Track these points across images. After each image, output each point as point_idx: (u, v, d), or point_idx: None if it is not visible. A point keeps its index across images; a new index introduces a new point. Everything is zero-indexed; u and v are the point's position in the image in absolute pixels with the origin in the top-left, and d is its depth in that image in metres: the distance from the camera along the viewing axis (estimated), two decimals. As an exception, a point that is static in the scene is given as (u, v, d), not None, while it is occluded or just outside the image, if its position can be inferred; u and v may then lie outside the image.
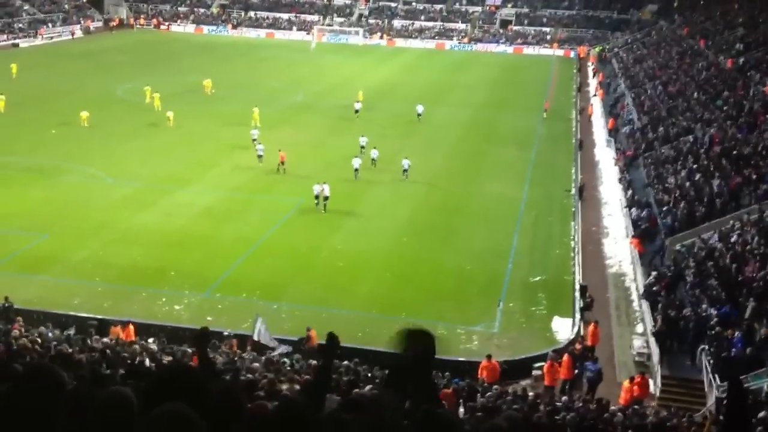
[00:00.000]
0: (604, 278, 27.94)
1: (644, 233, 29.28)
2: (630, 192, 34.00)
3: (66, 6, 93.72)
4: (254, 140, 41.49)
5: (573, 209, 34.02)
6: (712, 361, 19.75)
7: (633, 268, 27.88)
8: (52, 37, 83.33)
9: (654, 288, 24.45)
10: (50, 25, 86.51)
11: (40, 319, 21.31)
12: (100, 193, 34.60)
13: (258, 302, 24.70)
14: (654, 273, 25.29)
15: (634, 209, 31.51)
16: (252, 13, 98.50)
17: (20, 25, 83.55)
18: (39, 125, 45.58)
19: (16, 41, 78.81)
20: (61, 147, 41.44)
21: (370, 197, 35.87)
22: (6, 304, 21.45)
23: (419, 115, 51.09)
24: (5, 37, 78.94)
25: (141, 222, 31.20)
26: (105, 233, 29.80)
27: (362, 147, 41.44)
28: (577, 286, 25.72)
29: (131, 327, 20.77)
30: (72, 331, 20.12)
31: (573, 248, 29.66)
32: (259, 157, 39.44)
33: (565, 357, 20.60)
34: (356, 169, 37.92)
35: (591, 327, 22.58)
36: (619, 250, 30.15)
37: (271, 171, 38.43)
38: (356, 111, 50.63)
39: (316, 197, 33.19)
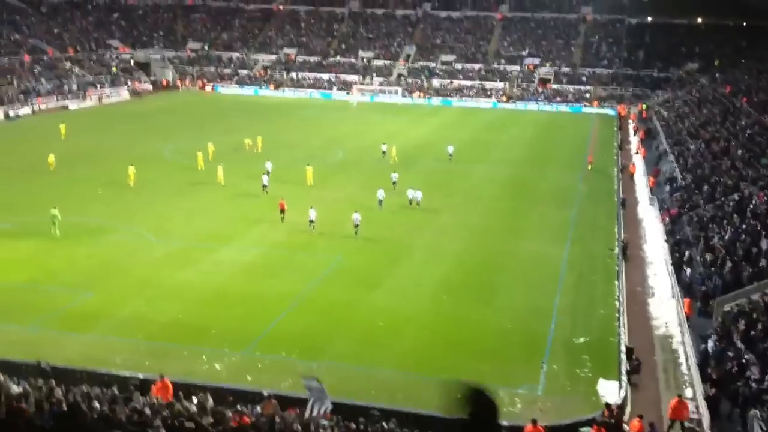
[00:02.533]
0: (650, 340, 27.21)
1: (691, 293, 28.62)
2: (676, 252, 33.36)
3: (114, 68, 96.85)
4: (267, 172, 47.13)
5: (617, 268, 33.44)
6: (764, 427, 18.99)
7: (680, 329, 27.16)
8: (100, 99, 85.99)
9: (703, 350, 23.78)
10: (99, 86, 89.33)
11: (82, 378, 21.37)
12: (144, 251, 35.08)
13: (297, 361, 24.55)
14: (703, 336, 24.61)
15: (688, 269, 30.84)
16: (294, 74, 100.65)
17: (70, 87, 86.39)
18: (86, 184, 46.71)
19: (66, 103, 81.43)
20: (108, 206, 42.28)
21: (410, 254, 35.76)
22: (42, 366, 21.58)
23: (450, 155, 56.38)
24: (55, 98, 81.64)
25: (183, 279, 31.48)
26: (148, 291, 30.09)
27: (394, 183, 46.39)
28: (623, 348, 25.06)
29: (169, 385, 20.69)
30: (114, 390, 20.09)
31: (618, 309, 29.02)
32: (264, 186, 44.95)
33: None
34: (380, 201, 42.55)
35: (674, 401, 21.37)
36: (666, 310, 29.43)
37: (310, 226, 38.69)
38: (383, 152, 55.74)
39: (356, 226, 37.58)
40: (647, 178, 49.21)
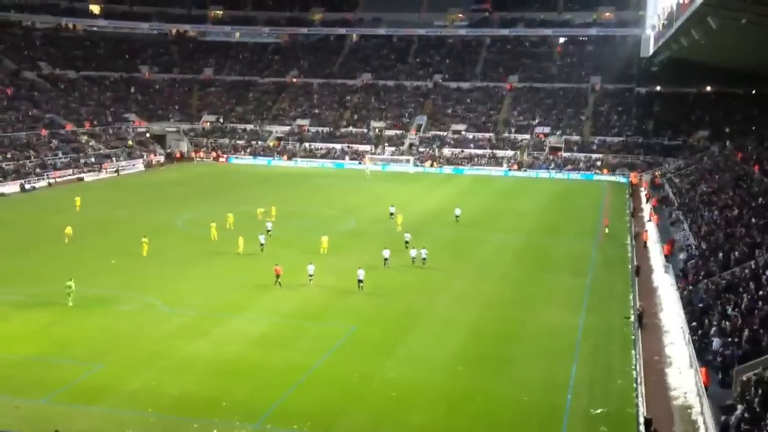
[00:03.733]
0: (669, 411, 26.58)
1: (709, 363, 28.08)
2: (693, 320, 32.90)
3: (130, 141, 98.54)
4: (268, 231, 51.07)
5: (633, 337, 32.98)
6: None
7: (699, 400, 26.55)
8: (116, 171, 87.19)
9: (723, 421, 23.19)
10: (114, 159, 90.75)
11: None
12: (155, 322, 34.94)
13: (309, 434, 24.11)
14: (722, 407, 24.02)
15: (705, 338, 30.32)
16: (306, 145, 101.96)
17: (86, 160, 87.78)
18: (99, 255, 46.95)
19: (81, 175, 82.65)
20: (120, 276, 42.38)
21: (423, 323, 35.46)
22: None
23: (457, 217, 59.22)
24: (71, 171, 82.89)
25: (194, 350, 31.25)
26: (159, 363, 29.85)
27: (407, 242, 48.43)
28: (642, 420, 24.49)
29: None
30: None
31: (635, 378, 28.51)
32: (261, 245, 47.59)
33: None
34: (386, 259, 44.65)
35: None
36: (684, 380, 28.84)
37: (324, 296, 38.62)
38: (391, 214, 58.26)
39: (360, 281, 39.77)
40: (661, 246, 48.95)
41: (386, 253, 45.06)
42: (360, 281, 39.82)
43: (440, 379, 28.97)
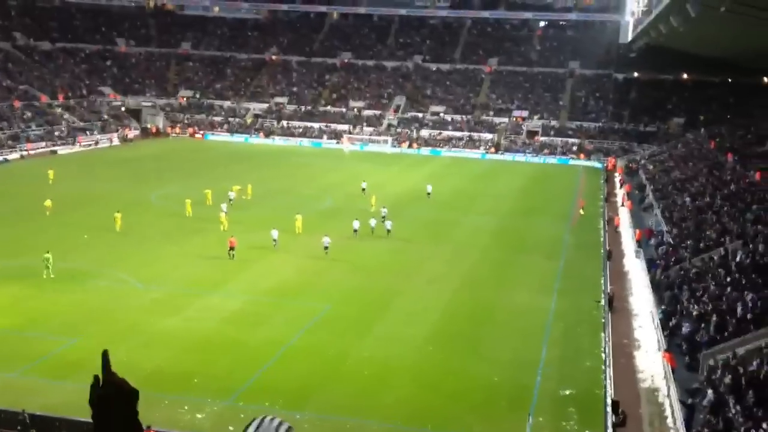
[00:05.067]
0: (636, 393, 27.13)
1: (676, 346, 28.62)
2: (662, 304, 33.47)
3: (105, 115, 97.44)
4: (229, 200, 53.45)
5: (603, 320, 33.50)
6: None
7: (666, 383, 27.10)
8: (90, 145, 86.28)
9: (689, 404, 23.73)
10: (89, 133, 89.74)
11: (62, 428, 21.10)
12: (129, 297, 34.87)
13: (281, 411, 24.27)
14: (689, 390, 24.57)
15: (674, 322, 30.88)
16: (284, 123, 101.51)
17: (60, 133, 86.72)
18: (72, 229, 46.61)
19: (55, 148, 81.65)
20: (93, 251, 42.16)
21: (398, 303, 35.72)
22: (21, 416, 21.31)
23: (428, 194, 61.25)
24: (44, 144, 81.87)
25: (168, 326, 31.26)
26: (132, 338, 29.83)
27: (383, 217, 49.73)
28: (609, 401, 24.98)
29: (153, 433, 20.44)
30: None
31: (604, 361, 29.01)
32: (224, 213, 48.72)
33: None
34: (355, 230, 46.82)
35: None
36: (652, 363, 29.39)
37: (299, 274, 38.75)
38: (363, 190, 60.68)
39: (325, 247, 42.19)
40: (633, 231, 49.55)
41: (356, 224, 47.09)
42: (326, 247, 42.31)
43: (414, 358, 29.27)
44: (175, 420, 23.29)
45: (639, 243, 45.79)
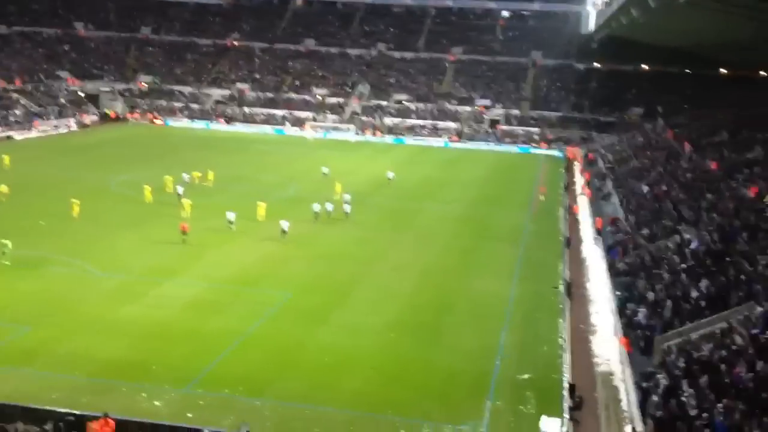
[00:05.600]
0: (592, 377, 27.59)
1: (632, 331, 29.13)
2: (619, 290, 34.03)
3: (62, 100, 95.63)
4: (185, 182, 54.10)
5: (561, 306, 33.94)
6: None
7: (622, 367, 27.59)
8: (46, 130, 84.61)
9: (644, 387, 24.19)
10: (45, 118, 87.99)
11: (15, 415, 20.78)
12: (86, 285, 34.36)
13: (240, 399, 24.19)
14: (644, 374, 25.02)
15: (630, 308, 31.39)
16: (246, 109, 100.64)
17: (16, 118, 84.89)
18: (28, 215, 45.74)
19: (10, 133, 79.88)
20: (50, 237, 41.43)
21: (360, 291, 35.75)
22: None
23: (390, 179, 62.37)
24: (0, 129, 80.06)
25: (126, 314, 30.89)
26: (89, 326, 29.42)
27: (346, 202, 50.44)
28: (566, 385, 25.36)
29: (111, 423, 20.23)
30: (49, 427, 19.61)
31: (561, 346, 29.42)
32: (179, 195, 49.67)
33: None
34: (316, 213, 47.69)
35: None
36: (608, 348, 29.90)
37: (260, 262, 38.57)
38: (324, 174, 61.86)
39: (283, 231, 42.83)
40: (593, 219, 50.22)
41: (316, 206, 47.95)
42: (284, 231, 42.89)
43: (375, 346, 29.33)
44: (133, 407, 23.04)
45: (599, 231, 46.42)
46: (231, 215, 44.32)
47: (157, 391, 24.43)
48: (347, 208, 49.53)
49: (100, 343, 27.91)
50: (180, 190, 51.44)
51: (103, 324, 29.74)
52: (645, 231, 41.52)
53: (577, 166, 76.43)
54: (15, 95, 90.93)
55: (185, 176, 56.04)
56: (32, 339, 27.95)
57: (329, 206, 49.03)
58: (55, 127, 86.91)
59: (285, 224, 43.28)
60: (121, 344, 27.90)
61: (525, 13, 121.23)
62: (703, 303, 28.88)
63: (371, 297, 35.10)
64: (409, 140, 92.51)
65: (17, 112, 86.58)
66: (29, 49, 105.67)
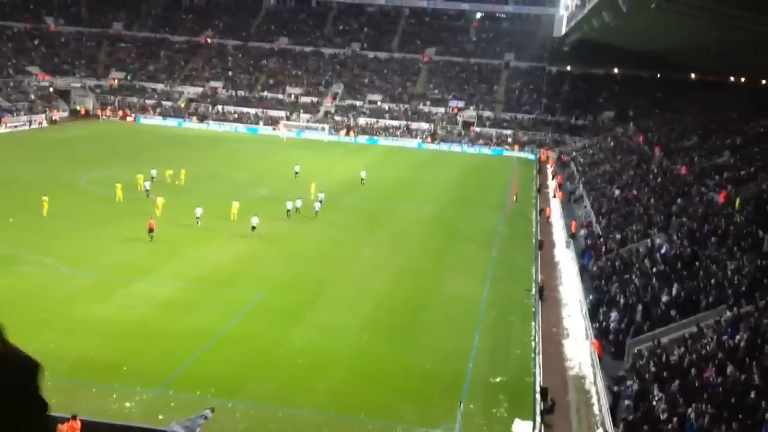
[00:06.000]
0: (564, 380, 27.78)
1: (603, 335, 29.42)
2: (591, 294, 34.34)
3: (32, 96, 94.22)
4: (152, 178, 54.43)
5: (533, 309, 34.17)
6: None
7: (593, 370, 27.84)
8: (16, 126, 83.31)
9: (615, 391, 24.44)
10: (15, 114, 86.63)
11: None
12: (56, 283, 33.90)
13: (212, 400, 24.00)
14: (615, 377, 25.26)
15: (601, 311, 31.69)
16: (219, 108, 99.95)
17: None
18: (-3, 212, 45.03)
19: (-21, 129, 78.62)
20: (19, 235, 40.79)
21: (333, 291, 35.69)
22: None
23: (362, 179, 62.63)
24: (-32, 124, 78.76)
25: (97, 313, 30.52)
26: (58, 325, 29.03)
27: (320, 201, 50.93)
28: (538, 389, 25.53)
29: (77, 427, 19.95)
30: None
31: (534, 349, 29.61)
32: (146, 191, 50.82)
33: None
34: (288, 210, 48.24)
35: None
36: (579, 352, 30.15)
37: (233, 261, 38.33)
38: (296, 173, 62.35)
39: (253, 227, 43.46)
40: (565, 222, 50.61)
41: (289, 204, 48.50)
42: (253, 227, 43.46)
43: (348, 346, 29.31)
44: (103, 409, 22.79)
45: (573, 235, 46.71)
46: (199, 211, 45.06)
47: (128, 392, 24.17)
48: (317, 206, 49.92)
49: (70, 342, 27.55)
50: (147, 185, 51.69)
51: (74, 323, 29.37)
52: (616, 234, 41.93)
53: (550, 169, 76.96)
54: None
55: (153, 172, 56.12)
56: (0, 339, 27.45)
57: (299, 203, 49.67)
58: (25, 123, 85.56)
59: (255, 220, 43.73)
60: (91, 344, 27.57)
61: (499, 15, 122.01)
62: (673, 308, 29.25)
63: (345, 297, 35.08)
64: (383, 141, 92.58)
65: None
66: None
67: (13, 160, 63.88)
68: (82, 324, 29.39)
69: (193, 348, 28.00)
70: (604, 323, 30.48)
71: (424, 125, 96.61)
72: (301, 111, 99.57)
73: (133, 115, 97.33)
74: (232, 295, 34.35)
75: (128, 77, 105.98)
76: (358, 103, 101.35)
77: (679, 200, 43.15)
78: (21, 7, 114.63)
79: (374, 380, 26.59)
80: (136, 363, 26.31)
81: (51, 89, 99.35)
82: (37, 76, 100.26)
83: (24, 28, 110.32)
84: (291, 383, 25.93)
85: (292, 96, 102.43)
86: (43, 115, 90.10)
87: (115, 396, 23.92)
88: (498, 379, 27.13)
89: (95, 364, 25.96)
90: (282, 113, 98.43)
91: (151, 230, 41.23)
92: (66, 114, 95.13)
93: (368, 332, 30.86)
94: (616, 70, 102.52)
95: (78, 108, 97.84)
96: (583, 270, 38.63)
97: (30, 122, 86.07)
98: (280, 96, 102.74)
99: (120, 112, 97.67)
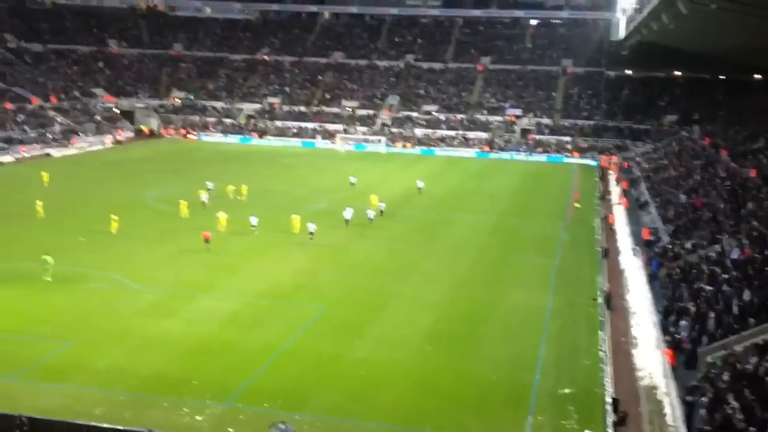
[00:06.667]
0: (635, 391, 27.12)
1: (675, 344, 28.66)
2: (660, 302, 33.54)
3: (98, 117, 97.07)
4: (208, 190, 56.06)
5: (600, 318, 33.51)
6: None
7: (665, 380, 27.12)
8: (83, 147, 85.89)
9: (688, 401, 23.78)
10: (82, 135, 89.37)
11: (58, 431, 21.01)
12: (125, 300, 34.72)
13: (280, 412, 24.18)
14: (688, 387, 24.59)
15: (672, 320, 30.91)
16: (278, 123, 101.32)
17: (53, 135, 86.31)
18: (67, 231, 46.41)
19: (49, 150, 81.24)
20: (89, 253, 41.95)
21: (393, 303, 35.65)
22: (19, 420, 21.28)
23: (419, 189, 63.08)
24: (38, 146, 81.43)
25: (165, 328, 31.13)
26: (129, 341, 29.70)
27: (381, 211, 52.55)
28: (609, 400, 24.98)
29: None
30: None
31: (602, 359, 29.02)
32: (203, 203, 52.76)
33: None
34: (347, 219, 49.28)
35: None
36: (650, 361, 29.40)
37: (295, 275, 38.64)
38: (352, 184, 63.57)
39: (311, 233, 45.02)
40: (630, 229, 49.61)
41: (348, 212, 49.69)
42: (311, 233, 44.89)
43: (410, 358, 29.20)
44: (175, 422, 23.20)
45: (646, 241, 45.51)
46: (254, 219, 46.60)
47: (198, 405, 24.54)
48: (371, 214, 50.85)
49: (140, 357, 28.13)
50: (204, 197, 53.24)
51: (142, 339, 29.99)
52: (684, 241, 40.90)
53: (612, 175, 75.65)
54: (52, 113, 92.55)
55: (209, 184, 57.80)
56: (74, 354, 28.25)
57: (348, 213, 50.13)
58: (92, 143, 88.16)
59: (312, 227, 45.10)
60: (160, 359, 28.10)
61: (554, 21, 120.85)
62: (746, 313, 28.33)
63: (406, 308, 34.99)
64: (440, 151, 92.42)
65: (56, 129, 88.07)
66: (64, 67, 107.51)
67: (81, 180, 65.83)
68: (151, 339, 30.00)
69: (258, 361, 28.29)
70: (675, 332, 29.69)
71: (481, 134, 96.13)
72: (358, 124, 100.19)
73: (195, 133, 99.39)
74: (294, 308, 34.62)
75: (189, 96, 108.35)
76: (414, 114, 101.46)
77: (749, 204, 41.88)
78: (85, 32, 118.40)
79: (438, 392, 26.41)
80: (205, 377, 26.71)
81: (116, 110, 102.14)
82: (102, 98, 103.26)
83: (89, 52, 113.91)
84: (355, 395, 25.97)
85: (348, 109, 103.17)
86: (109, 136, 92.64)
87: (185, 410, 24.29)
88: (566, 390, 26.65)
89: (165, 379, 26.45)
90: (339, 127, 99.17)
91: (206, 241, 42.63)
92: (131, 134, 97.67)
93: (430, 343, 30.70)
94: (677, 73, 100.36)
95: (142, 128, 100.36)
96: (652, 278, 37.74)
97: (93, 143, 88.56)
98: (337, 110, 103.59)
99: (182, 131, 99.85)
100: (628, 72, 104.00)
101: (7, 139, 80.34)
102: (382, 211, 51.87)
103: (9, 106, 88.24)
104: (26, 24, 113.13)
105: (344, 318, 33.40)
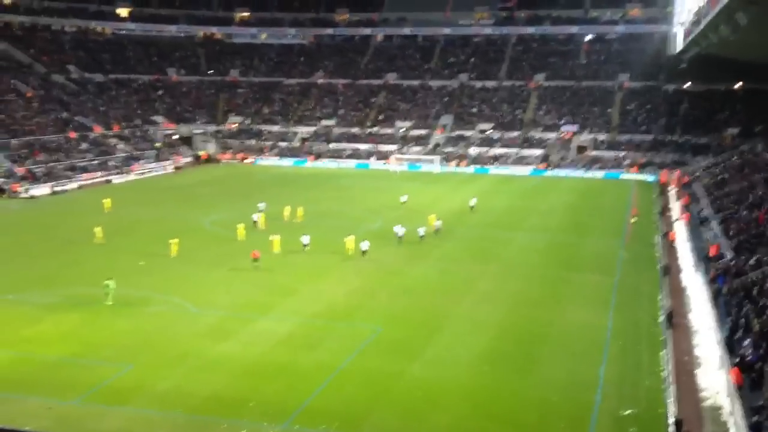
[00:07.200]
0: (699, 412, 26.30)
1: (740, 363, 27.70)
2: (725, 321, 32.52)
3: (158, 144, 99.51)
4: (260, 210, 58.42)
5: (662, 337, 32.65)
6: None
7: (731, 401, 26.22)
8: (143, 173, 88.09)
9: (754, 423, 22.91)
10: (142, 161, 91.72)
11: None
12: (184, 322, 35.28)
13: (337, 434, 24.19)
14: (754, 408, 23.71)
15: (737, 339, 29.93)
16: (332, 145, 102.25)
17: (115, 162, 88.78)
18: (128, 256, 47.48)
19: (110, 177, 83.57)
20: (149, 277, 42.82)
21: (449, 324, 35.39)
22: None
23: (472, 207, 63.49)
24: (100, 173, 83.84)
25: (222, 350, 31.49)
26: (187, 363, 30.12)
27: (436, 230, 53.13)
28: (672, 420, 24.26)
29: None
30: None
31: (665, 379, 28.24)
32: (254, 222, 54.97)
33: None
34: (400, 236, 50.51)
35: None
36: (714, 381, 28.51)
37: (350, 296, 38.71)
38: (403, 203, 65.20)
39: (364, 251, 46.07)
40: (691, 244, 48.35)
41: (400, 229, 50.88)
42: (364, 251, 46.00)
43: (466, 378, 28.91)
44: (232, 444, 23.35)
45: (712, 258, 44.19)
46: (305, 239, 48.09)
47: (255, 427, 24.68)
48: (421, 231, 51.61)
49: (199, 379, 28.48)
50: (255, 217, 55.48)
51: (201, 360, 30.38)
52: (749, 257, 39.66)
53: (672, 191, 74.03)
54: (113, 140, 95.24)
55: (260, 205, 60.12)
56: (134, 377, 28.76)
57: (400, 230, 51.27)
58: (152, 169, 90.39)
59: (365, 245, 46.28)
60: (218, 380, 28.40)
61: (609, 36, 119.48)
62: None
63: (462, 329, 34.68)
64: (494, 169, 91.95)
65: (118, 156, 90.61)
66: (125, 96, 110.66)
67: (141, 205, 67.45)
68: (209, 361, 30.36)
69: (314, 383, 28.35)
70: (740, 351, 28.72)
71: (537, 152, 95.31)
72: (412, 144, 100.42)
73: (251, 156, 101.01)
74: (349, 329, 34.66)
75: (246, 121, 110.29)
76: (468, 133, 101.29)
77: (816, 218, 40.44)
78: (145, 61, 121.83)
79: (495, 412, 26.05)
80: (262, 398, 26.87)
81: (175, 136, 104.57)
82: (162, 125, 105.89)
83: (149, 80, 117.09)
84: (412, 417, 25.78)
85: (402, 129, 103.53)
86: (170, 161, 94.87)
87: (244, 431, 24.45)
88: (628, 411, 25.98)
89: (223, 400, 26.69)
90: (393, 147, 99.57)
91: (255, 260, 43.96)
92: (189, 159, 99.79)
93: (487, 364, 30.33)
94: (737, 85, 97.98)
95: (199, 153, 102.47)
96: (716, 295, 36.65)
97: (153, 169, 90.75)
98: (390, 130, 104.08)
99: (239, 155, 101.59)
100: (687, 85, 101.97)
101: (70, 167, 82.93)
102: (437, 230, 51.85)
103: (73, 135, 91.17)
104: (89, 55, 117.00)
105: (399, 338, 33.28)
